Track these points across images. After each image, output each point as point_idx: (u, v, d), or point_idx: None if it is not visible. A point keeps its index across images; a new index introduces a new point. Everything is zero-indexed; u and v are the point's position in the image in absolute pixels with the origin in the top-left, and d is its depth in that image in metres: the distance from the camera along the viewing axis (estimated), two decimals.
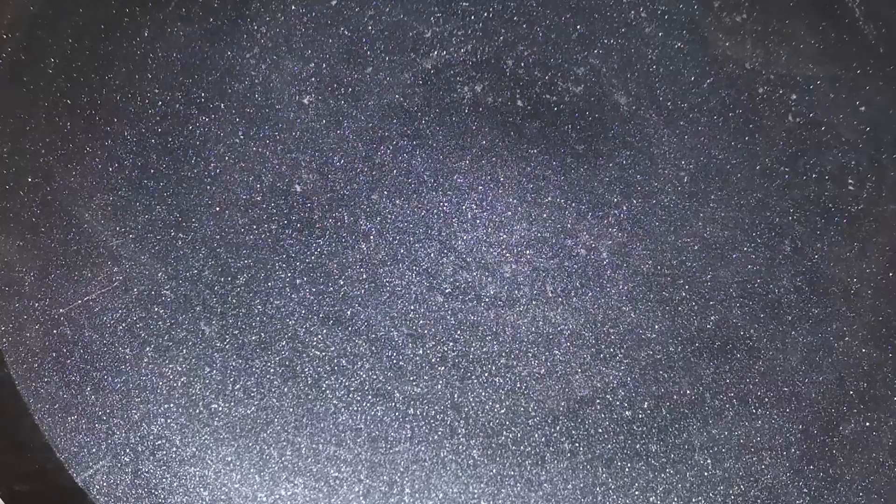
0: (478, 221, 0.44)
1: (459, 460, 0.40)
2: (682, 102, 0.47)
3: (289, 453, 0.40)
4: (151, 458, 0.40)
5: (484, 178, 0.45)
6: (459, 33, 0.46)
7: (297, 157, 0.45)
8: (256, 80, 0.46)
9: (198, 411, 0.41)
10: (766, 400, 0.42)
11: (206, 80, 0.46)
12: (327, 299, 0.43)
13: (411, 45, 0.46)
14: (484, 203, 0.45)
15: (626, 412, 0.41)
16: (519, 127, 0.46)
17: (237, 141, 0.45)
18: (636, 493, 0.40)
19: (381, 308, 0.43)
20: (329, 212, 0.44)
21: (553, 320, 0.43)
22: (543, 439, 0.41)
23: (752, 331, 0.43)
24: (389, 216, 0.44)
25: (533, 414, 0.41)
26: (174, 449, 0.40)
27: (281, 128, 0.46)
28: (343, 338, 0.42)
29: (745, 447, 0.41)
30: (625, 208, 0.45)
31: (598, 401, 0.41)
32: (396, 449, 0.40)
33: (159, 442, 0.40)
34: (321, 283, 0.43)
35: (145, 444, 0.40)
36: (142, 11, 0.46)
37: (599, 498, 0.40)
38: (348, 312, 0.42)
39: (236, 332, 0.42)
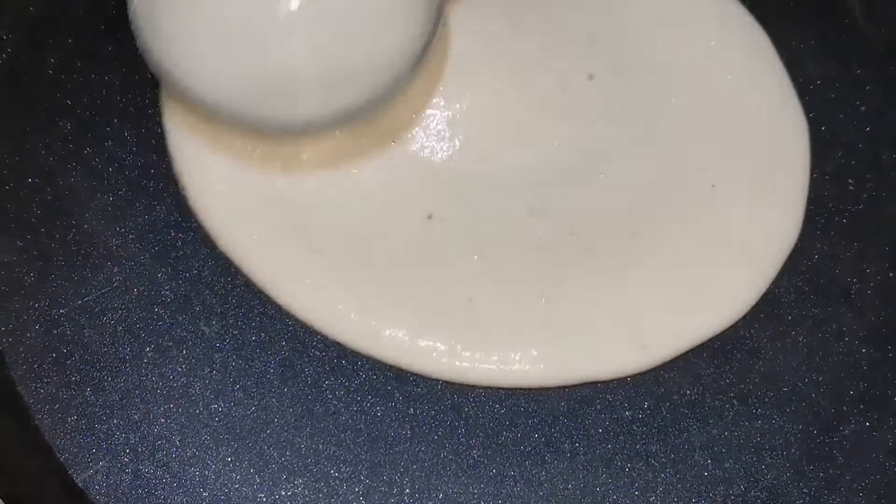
0: None
1: (459, 460, 0.40)
2: None
3: (289, 453, 0.40)
4: (151, 458, 0.40)
5: None
6: None
7: None
8: None
9: (198, 411, 0.41)
10: (766, 400, 0.42)
11: None
12: None
13: None
14: None
15: (626, 412, 0.41)
16: None
17: None
18: (636, 493, 0.40)
19: None
20: None
21: None
22: (543, 439, 0.41)
23: (752, 331, 0.43)
24: None
25: (533, 414, 0.41)
26: (174, 449, 0.40)
27: None
28: None
29: (745, 447, 0.41)
30: None
31: (597, 401, 0.41)
32: (396, 449, 0.40)
33: (159, 442, 0.40)
34: None
35: (145, 444, 0.40)
36: None
37: (599, 498, 0.40)
38: None
39: (236, 332, 0.42)
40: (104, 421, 0.40)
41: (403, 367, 0.41)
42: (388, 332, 0.41)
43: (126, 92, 0.45)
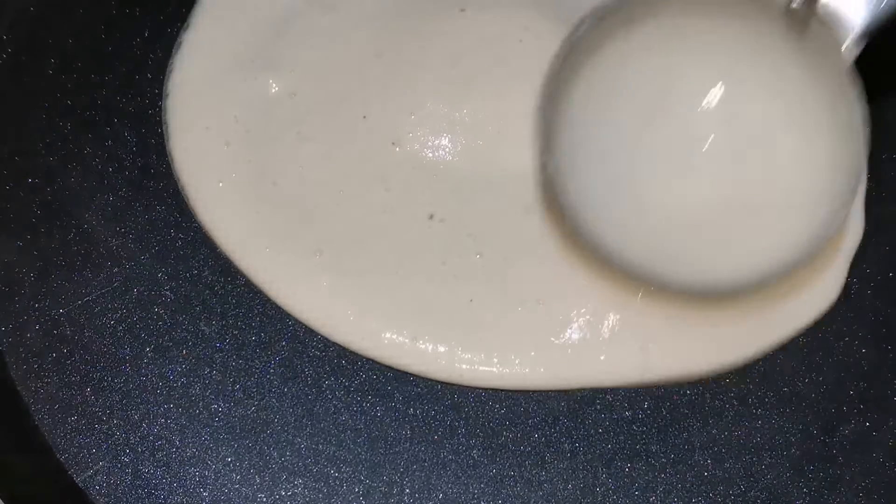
0: None
1: (459, 460, 0.40)
2: None
3: (289, 453, 0.40)
4: (151, 458, 0.40)
5: None
6: None
7: None
8: None
9: (198, 411, 0.41)
10: (766, 400, 0.42)
11: None
12: None
13: None
14: None
15: (626, 412, 0.41)
16: None
17: None
18: (636, 493, 0.40)
19: None
20: None
21: None
22: (543, 439, 0.41)
23: None
24: None
25: (533, 414, 0.41)
26: (174, 449, 0.40)
27: None
28: None
29: (745, 447, 0.41)
30: None
31: (597, 401, 0.41)
32: (396, 449, 0.40)
33: (159, 442, 0.40)
34: None
35: (145, 444, 0.40)
36: (142, 11, 0.47)
37: (599, 498, 0.40)
38: None
39: (236, 332, 0.42)
40: (104, 421, 0.40)
41: (403, 368, 0.41)
42: (387, 333, 0.41)
43: (126, 92, 0.45)
